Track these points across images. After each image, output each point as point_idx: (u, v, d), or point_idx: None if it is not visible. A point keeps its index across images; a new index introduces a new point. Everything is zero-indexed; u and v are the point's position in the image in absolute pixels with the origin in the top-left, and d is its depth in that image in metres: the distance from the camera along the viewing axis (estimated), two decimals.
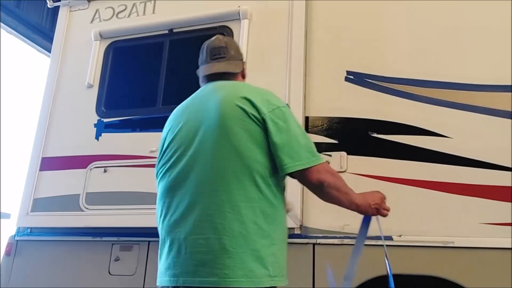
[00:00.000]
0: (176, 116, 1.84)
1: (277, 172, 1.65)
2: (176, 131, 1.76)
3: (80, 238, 3.04)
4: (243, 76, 1.96)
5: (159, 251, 1.69)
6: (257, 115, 1.64)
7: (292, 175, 1.66)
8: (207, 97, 1.76)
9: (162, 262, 1.65)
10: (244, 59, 2.01)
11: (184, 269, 1.56)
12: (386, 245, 1.87)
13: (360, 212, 1.78)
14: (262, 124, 1.64)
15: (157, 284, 1.67)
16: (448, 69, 2.59)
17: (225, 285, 1.49)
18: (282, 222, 1.69)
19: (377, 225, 1.81)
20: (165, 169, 1.74)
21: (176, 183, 1.67)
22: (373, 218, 1.85)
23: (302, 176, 1.65)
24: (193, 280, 1.53)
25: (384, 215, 1.82)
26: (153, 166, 3.00)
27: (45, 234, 3.16)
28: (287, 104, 1.74)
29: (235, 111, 1.65)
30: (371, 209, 1.77)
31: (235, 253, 1.52)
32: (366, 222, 1.87)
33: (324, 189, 1.65)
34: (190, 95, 1.84)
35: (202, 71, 1.90)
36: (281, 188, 1.71)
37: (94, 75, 3.37)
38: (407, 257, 2.36)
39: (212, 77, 1.85)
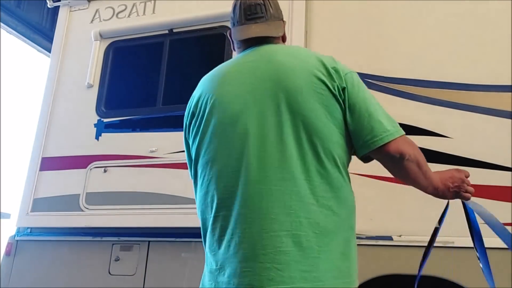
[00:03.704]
0: (210, 87, 1.45)
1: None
2: (216, 104, 1.39)
3: (80, 238, 3.04)
4: (284, 40, 1.60)
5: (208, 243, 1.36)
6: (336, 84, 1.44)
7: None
8: (261, 64, 1.42)
9: (219, 261, 1.30)
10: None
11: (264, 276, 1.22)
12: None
13: (437, 196, 1.56)
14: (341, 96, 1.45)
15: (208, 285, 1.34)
16: (448, 69, 2.59)
17: None
18: None
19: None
20: (207, 151, 1.39)
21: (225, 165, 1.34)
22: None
23: (380, 148, 1.42)
24: None
25: (466, 198, 1.61)
26: (153, 166, 2.97)
27: (45, 234, 3.16)
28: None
29: (310, 82, 1.39)
30: (449, 193, 1.56)
31: (322, 251, 1.26)
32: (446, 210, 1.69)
33: (403, 162, 1.41)
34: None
35: (236, 35, 1.52)
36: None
37: (94, 75, 3.37)
38: (407, 257, 2.36)
39: (250, 42, 1.50)
